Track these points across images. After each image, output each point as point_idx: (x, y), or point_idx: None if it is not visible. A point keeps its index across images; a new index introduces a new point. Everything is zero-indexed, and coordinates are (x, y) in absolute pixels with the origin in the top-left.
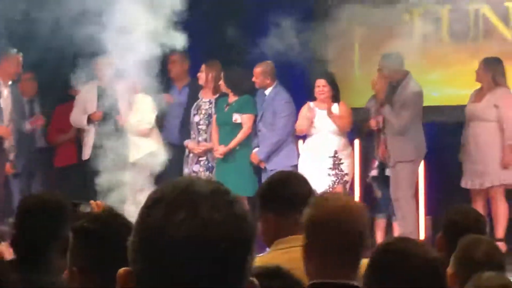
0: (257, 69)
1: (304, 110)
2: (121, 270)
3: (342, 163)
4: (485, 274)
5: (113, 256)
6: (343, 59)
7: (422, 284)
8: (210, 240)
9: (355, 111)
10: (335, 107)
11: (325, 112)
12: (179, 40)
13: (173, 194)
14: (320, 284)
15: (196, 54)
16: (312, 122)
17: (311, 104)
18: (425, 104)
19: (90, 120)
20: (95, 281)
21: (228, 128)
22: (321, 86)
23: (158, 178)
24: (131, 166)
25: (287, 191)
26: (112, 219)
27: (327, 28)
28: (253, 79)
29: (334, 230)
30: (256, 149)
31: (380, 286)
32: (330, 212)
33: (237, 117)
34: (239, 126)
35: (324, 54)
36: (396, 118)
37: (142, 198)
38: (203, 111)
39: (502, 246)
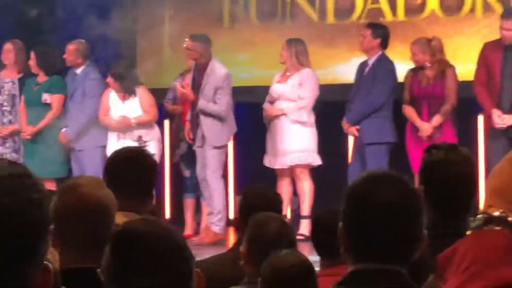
0: (71, 47)
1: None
2: None
3: (148, 145)
4: (282, 252)
5: None
6: (153, 40)
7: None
8: None
9: (164, 91)
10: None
11: (127, 102)
12: None
13: None
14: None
15: None
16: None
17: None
18: (234, 85)
19: None
20: None
21: (37, 109)
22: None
23: None
24: None
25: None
26: None
27: (137, 7)
28: (65, 56)
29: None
30: (65, 129)
31: (122, 269)
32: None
33: (46, 97)
34: (48, 106)
35: (134, 34)
36: (216, 105)
37: None
38: (7, 92)
39: (308, 223)
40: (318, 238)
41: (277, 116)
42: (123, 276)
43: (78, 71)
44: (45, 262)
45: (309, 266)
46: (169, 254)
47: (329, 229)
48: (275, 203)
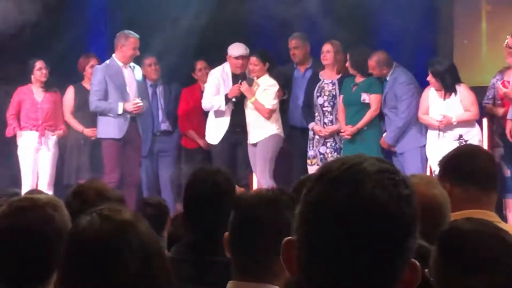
0: (371, 62)
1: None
2: (286, 238)
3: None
4: None
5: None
6: (471, 36)
7: (498, 266)
8: (369, 217)
9: (482, 89)
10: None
11: (448, 100)
12: None
13: (339, 170)
14: None
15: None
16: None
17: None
18: None
19: (227, 99)
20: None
21: (355, 108)
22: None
23: (279, 161)
24: (251, 148)
25: (470, 164)
26: None
27: (454, 4)
28: (370, 70)
29: None
30: (385, 134)
31: (450, 268)
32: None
33: (365, 97)
34: (366, 106)
35: (450, 32)
36: None
37: (264, 181)
38: (327, 93)
39: None
40: None
41: None
42: (452, 276)
43: (387, 77)
44: (413, 260)
45: None
46: (498, 252)
47: None
48: None
